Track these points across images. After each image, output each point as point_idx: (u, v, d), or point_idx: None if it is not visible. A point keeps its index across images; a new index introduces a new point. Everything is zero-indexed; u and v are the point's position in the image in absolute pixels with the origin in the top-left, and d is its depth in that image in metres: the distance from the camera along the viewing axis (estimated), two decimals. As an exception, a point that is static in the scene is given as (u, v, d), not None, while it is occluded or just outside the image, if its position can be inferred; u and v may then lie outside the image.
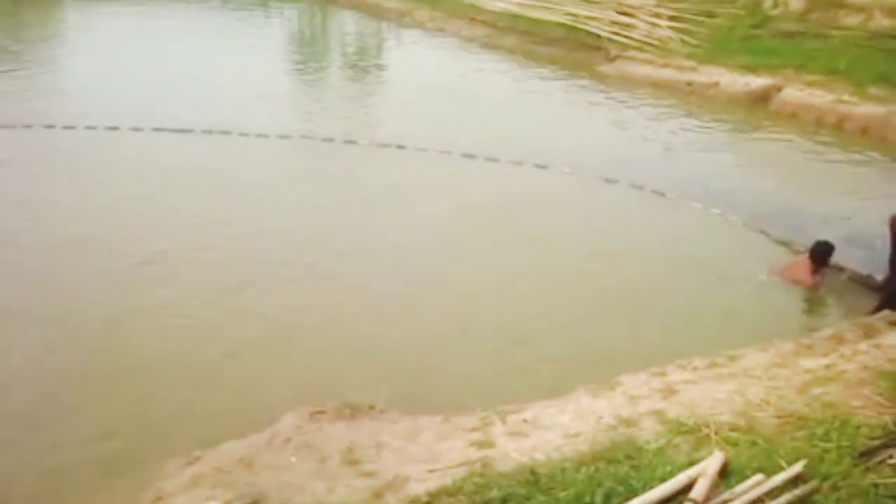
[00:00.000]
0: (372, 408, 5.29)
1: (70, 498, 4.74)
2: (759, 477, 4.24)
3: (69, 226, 8.34)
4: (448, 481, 4.40)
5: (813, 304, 7.54)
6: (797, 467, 4.28)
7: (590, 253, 8.04)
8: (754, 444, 4.63)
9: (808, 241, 7.92)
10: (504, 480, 4.37)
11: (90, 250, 7.88)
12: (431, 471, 4.54)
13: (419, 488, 4.38)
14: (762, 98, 14.13)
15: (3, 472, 4.98)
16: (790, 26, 16.14)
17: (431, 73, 16.52)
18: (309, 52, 19.97)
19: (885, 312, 6.54)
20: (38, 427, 5.40)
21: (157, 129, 11.46)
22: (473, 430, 5.00)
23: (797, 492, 4.10)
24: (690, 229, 8.82)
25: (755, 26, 16.53)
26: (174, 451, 4.99)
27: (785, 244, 8.44)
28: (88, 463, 5.06)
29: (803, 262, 7.72)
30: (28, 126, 11.50)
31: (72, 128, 11.51)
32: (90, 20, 20.52)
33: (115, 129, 11.47)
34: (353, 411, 5.22)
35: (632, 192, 9.68)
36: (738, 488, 4.16)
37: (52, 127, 11.49)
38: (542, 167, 10.37)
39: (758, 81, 14.42)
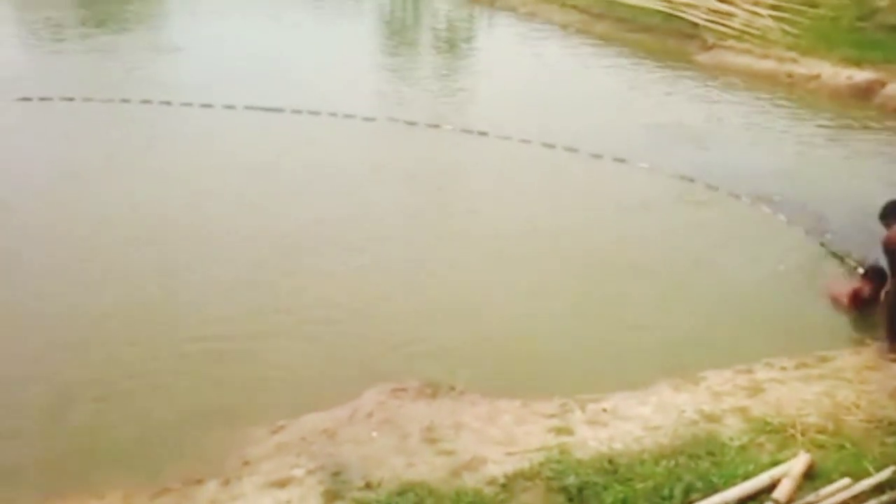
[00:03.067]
0: (452, 389, 5.36)
1: (161, 459, 4.93)
2: (845, 481, 4.15)
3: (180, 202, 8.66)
4: (525, 465, 4.44)
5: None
6: (886, 473, 4.18)
7: (656, 253, 7.88)
8: (842, 447, 4.53)
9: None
10: (581, 468, 4.38)
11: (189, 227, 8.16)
12: (509, 453, 4.58)
13: (496, 470, 4.43)
14: (865, 92, 13.58)
15: (107, 428, 5.24)
16: (898, 19, 15.49)
17: (520, 60, 16.44)
18: (399, 35, 20.10)
19: None
20: (144, 393, 5.65)
21: (248, 108, 11.74)
22: (552, 416, 5.02)
23: (884, 498, 4.00)
24: (756, 237, 8.40)
25: (860, 18, 15.88)
26: (260, 420, 5.16)
27: (841, 258, 7.85)
28: (179, 426, 5.26)
29: (850, 283, 7.11)
30: (126, 101, 11.94)
31: (168, 103, 11.89)
32: (186, 4, 21.07)
33: (210, 106, 11.79)
34: (433, 391, 5.30)
35: (709, 194, 9.38)
36: (824, 491, 4.08)
37: (149, 102, 11.89)
38: (621, 161, 10.19)
39: (861, 75, 13.86)
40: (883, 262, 6.36)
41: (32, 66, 14.64)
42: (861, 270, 7.19)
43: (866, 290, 6.77)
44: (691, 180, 9.63)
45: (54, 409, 5.37)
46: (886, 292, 6.43)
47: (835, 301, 6.94)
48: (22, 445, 5.06)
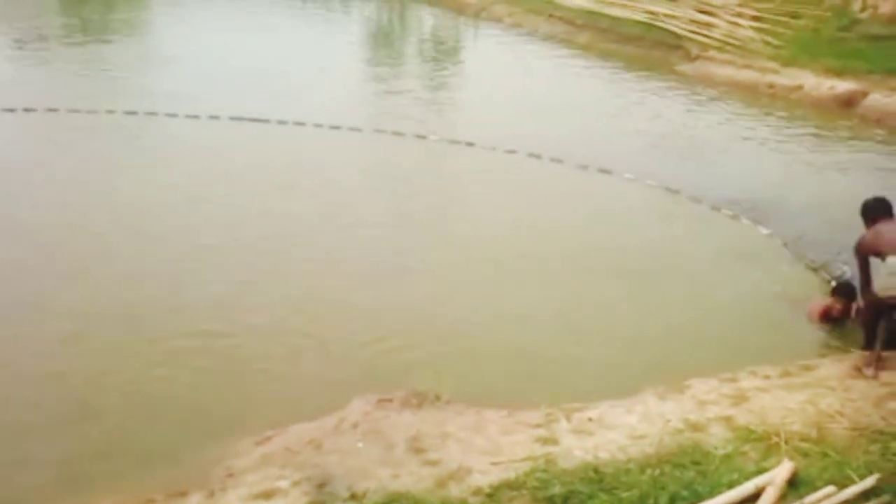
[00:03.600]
0: (438, 398, 5.35)
1: (144, 471, 4.90)
2: (829, 489, 4.17)
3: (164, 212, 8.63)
4: (511, 475, 4.44)
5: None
6: (870, 481, 4.20)
7: (638, 265, 7.89)
8: (826, 455, 4.55)
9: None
10: (567, 477, 4.38)
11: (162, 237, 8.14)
12: (495, 463, 4.57)
13: (482, 480, 4.42)
14: (847, 103, 13.71)
15: (89, 440, 5.21)
16: (878, 30, 15.63)
17: (507, 70, 16.50)
18: (386, 47, 20.15)
19: None
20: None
21: (234, 118, 11.73)
22: (538, 425, 5.02)
23: (869, 506, 4.02)
24: (738, 249, 8.38)
25: (842, 29, 16.06)
26: (245, 431, 5.14)
27: (815, 270, 7.84)
28: (163, 437, 5.24)
29: (822, 299, 7.06)
30: (111, 112, 11.89)
31: (154, 114, 11.86)
32: (173, 12, 21.03)
33: (195, 116, 11.77)
34: (419, 400, 5.29)
35: (692, 206, 9.39)
36: (808, 499, 4.10)
37: (134, 113, 11.85)
38: (606, 172, 10.23)
39: (843, 86, 14.00)
40: (853, 270, 6.40)
41: (16, 76, 14.59)
42: (833, 285, 7.20)
43: (836, 307, 6.79)
44: (676, 192, 9.68)
45: (35, 423, 5.33)
46: (858, 308, 6.49)
47: (809, 315, 6.97)
48: (4, 459, 5.02)
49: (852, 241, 6.24)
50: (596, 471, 4.42)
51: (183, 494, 4.49)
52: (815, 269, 7.86)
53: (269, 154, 10.61)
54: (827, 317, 6.84)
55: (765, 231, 8.70)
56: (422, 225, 8.69)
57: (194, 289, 7.08)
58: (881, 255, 5.92)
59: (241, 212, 8.67)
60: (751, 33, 16.54)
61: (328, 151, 10.97)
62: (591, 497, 4.21)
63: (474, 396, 5.45)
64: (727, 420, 4.99)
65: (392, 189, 9.75)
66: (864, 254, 6.09)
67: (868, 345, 6.03)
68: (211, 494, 4.46)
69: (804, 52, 15.50)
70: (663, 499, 4.16)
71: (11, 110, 11.81)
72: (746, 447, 4.67)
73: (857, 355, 6.00)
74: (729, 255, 8.16)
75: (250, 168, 9.98)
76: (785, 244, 8.37)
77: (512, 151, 10.82)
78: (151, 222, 8.36)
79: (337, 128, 11.60)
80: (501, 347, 6.37)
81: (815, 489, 4.19)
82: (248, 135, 11.31)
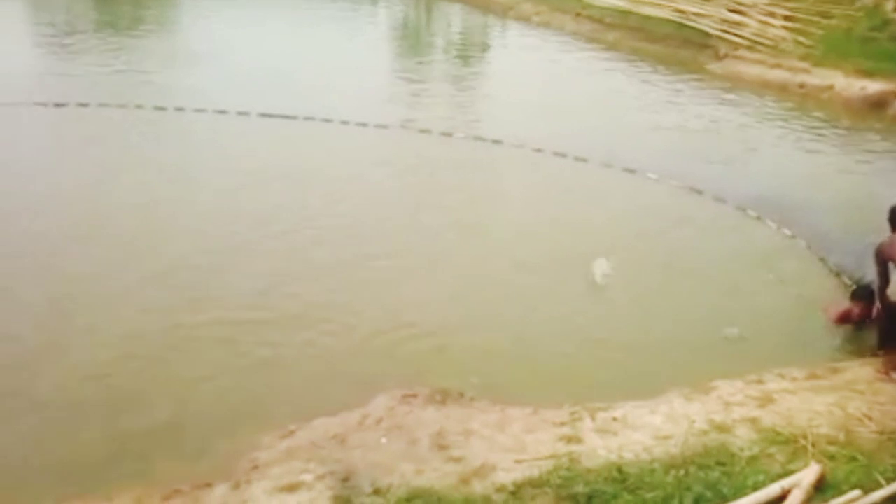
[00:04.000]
0: (462, 395, 5.36)
1: (171, 463, 4.96)
2: (856, 493, 4.13)
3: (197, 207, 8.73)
4: (535, 473, 4.43)
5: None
6: (898, 486, 4.16)
7: (660, 266, 7.87)
8: (853, 458, 4.51)
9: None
10: (591, 476, 4.38)
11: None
12: (519, 461, 4.58)
13: (506, 477, 4.43)
14: (878, 103, 13.52)
15: (117, 431, 5.29)
16: (912, 30, 15.43)
17: (534, 68, 16.46)
18: (413, 44, 20.16)
19: None
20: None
21: (262, 115, 11.80)
22: (562, 424, 5.01)
23: (896, 510, 3.98)
24: (760, 251, 8.32)
25: (874, 29, 15.84)
26: (270, 424, 5.18)
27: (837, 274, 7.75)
28: (189, 429, 5.30)
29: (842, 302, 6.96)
30: (139, 106, 12.02)
31: (182, 109, 11.97)
32: (202, 9, 21.17)
33: (223, 112, 11.86)
34: (443, 397, 5.30)
35: (714, 206, 9.34)
36: (834, 502, 4.06)
37: (163, 109, 11.97)
38: (630, 171, 10.17)
39: (874, 86, 13.81)
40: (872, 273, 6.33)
41: (48, 70, 14.75)
42: (853, 288, 7.09)
43: (855, 311, 6.69)
44: (699, 192, 9.61)
45: (65, 412, 5.42)
46: (878, 309, 6.42)
47: (828, 318, 6.88)
48: (34, 448, 5.10)
49: (876, 243, 6.17)
50: (620, 470, 4.41)
51: (209, 486, 4.55)
52: (836, 273, 7.77)
53: (296, 150, 10.67)
54: (846, 319, 6.76)
55: (787, 232, 8.62)
56: (448, 221, 8.69)
57: (220, 283, 7.15)
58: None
59: (271, 206, 8.73)
60: (782, 32, 16.36)
61: (354, 148, 11.01)
62: (614, 497, 4.20)
63: (498, 393, 5.46)
64: (753, 422, 4.96)
65: (418, 186, 9.75)
66: (883, 259, 6.05)
67: (882, 346, 6.00)
68: (236, 486, 4.51)
69: (835, 52, 15.30)
70: (687, 500, 4.14)
71: (43, 104, 11.98)
72: (772, 449, 4.64)
73: (886, 358, 5.94)
74: (750, 257, 8.10)
75: (277, 164, 10.04)
76: (808, 246, 8.30)
77: (539, 150, 10.80)
78: (180, 217, 8.45)
79: (363, 125, 11.63)
80: (526, 345, 6.37)
81: (842, 493, 4.15)
82: (276, 131, 11.38)
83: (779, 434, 4.77)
